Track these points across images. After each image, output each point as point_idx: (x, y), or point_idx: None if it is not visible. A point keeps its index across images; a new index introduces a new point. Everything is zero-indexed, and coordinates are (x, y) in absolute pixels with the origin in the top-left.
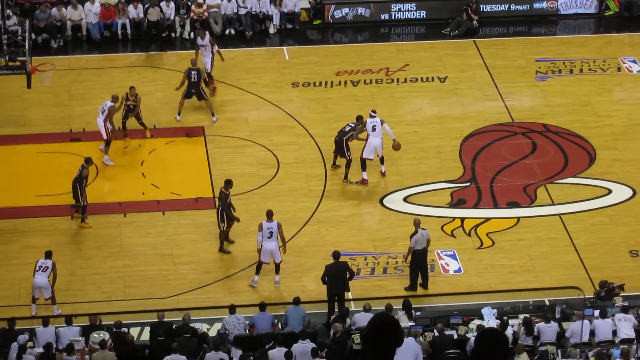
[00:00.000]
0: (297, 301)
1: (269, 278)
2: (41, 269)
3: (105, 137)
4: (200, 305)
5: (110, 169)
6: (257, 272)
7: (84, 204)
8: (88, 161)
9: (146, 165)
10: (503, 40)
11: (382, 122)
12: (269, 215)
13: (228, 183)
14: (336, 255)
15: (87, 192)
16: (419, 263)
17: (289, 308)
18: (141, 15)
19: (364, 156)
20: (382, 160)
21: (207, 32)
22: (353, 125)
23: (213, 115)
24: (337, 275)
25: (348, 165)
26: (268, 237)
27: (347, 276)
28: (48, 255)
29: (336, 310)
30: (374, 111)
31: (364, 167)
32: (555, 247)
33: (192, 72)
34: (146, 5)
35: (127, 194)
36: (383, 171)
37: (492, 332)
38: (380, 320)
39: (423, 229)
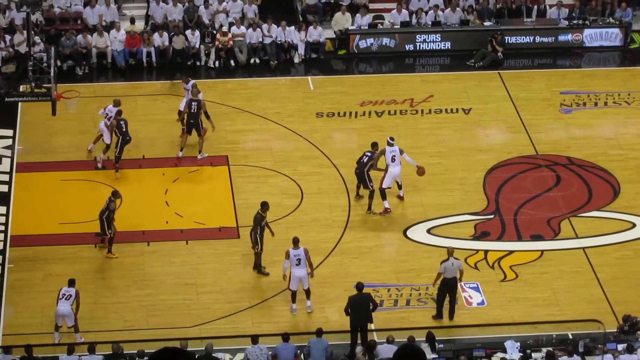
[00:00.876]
0: (319, 332)
1: (297, 307)
2: (64, 297)
3: (107, 141)
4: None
5: (134, 197)
6: (293, 300)
7: (111, 235)
8: (115, 194)
9: (170, 194)
10: (528, 72)
11: (401, 152)
12: (295, 242)
13: (264, 205)
14: (359, 286)
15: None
16: (445, 291)
17: (311, 339)
18: (166, 43)
19: (383, 186)
20: (399, 186)
21: (189, 79)
22: (369, 154)
23: (200, 152)
24: (361, 307)
25: (371, 197)
26: (296, 265)
27: (370, 307)
28: (71, 283)
29: (359, 342)
30: (391, 138)
31: (384, 196)
32: (579, 281)
33: (193, 103)
34: (171, 34)
35: (151, 222)
36: (401, 195)
37: None
38: (407, 351)
39: (456, 258)
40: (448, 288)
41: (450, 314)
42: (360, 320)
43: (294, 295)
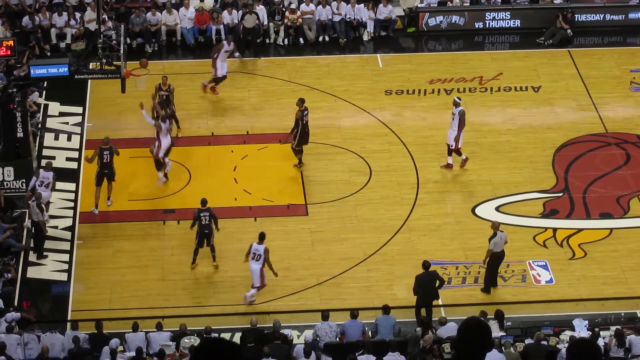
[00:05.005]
0: (387, 309)
1: (360, 285)
2: (255, 256)
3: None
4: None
5: (203, 174)
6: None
7: None
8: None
9: (238, 171)
10: (598, 50)
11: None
12: (261, 238)
13: (203, 203)
14: (426, 265)
15: (178, 198)
16: (497, 264)
17: (379, 317)
18: (235, 20)
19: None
20: (450, 152)
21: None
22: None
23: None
24: (428, 285)
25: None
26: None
27: (437, 284)
28: (261, 238)
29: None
30: (458, 98)
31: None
32: None
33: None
34: (244, 11)
35: (219, 199)
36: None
37: (584, 343)
38: (472, 324)
39: (501, 231)
40: (499, 260)
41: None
42: (429, 298)
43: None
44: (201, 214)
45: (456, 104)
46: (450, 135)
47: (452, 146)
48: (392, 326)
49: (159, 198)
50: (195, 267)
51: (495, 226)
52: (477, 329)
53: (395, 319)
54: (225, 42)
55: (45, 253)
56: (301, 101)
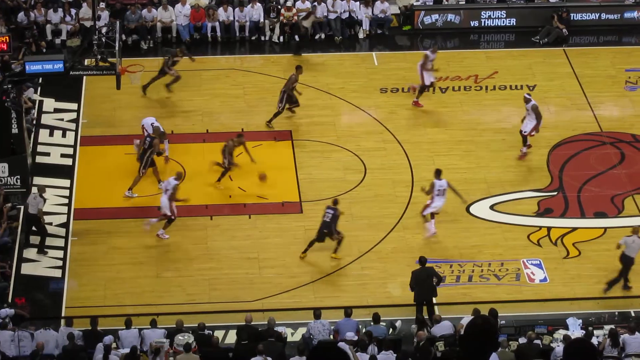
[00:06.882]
0: (377, 319)
1: (354, 283)
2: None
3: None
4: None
5: (197, 172)
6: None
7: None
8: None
9: (233, 168)
10: (593, 50)
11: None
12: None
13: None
14: (422, 260)
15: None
16: (625, 265)
17: (368, 327)
18: (231, 18)
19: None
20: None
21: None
22: (331, 211)
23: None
24: (424, 281)
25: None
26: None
27: (435, 281)
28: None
29: (425, 316)
30: (528, 94)
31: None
32: None
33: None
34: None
35: (214, 197)
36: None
37: (581, 342)
38: (479, 322)
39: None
40: (626, 261)
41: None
42: (425, 294)
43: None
44: (326, 211)
45: (527, 100)
46: (528, 124)
47: (525, 132)
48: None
49: (154, 195)
50: (304, 257)
51: (635, 230)
52: (484, 327)
53: (386, 329)
54: (429, 52)
55: (45, 249)
56: (297, 69)
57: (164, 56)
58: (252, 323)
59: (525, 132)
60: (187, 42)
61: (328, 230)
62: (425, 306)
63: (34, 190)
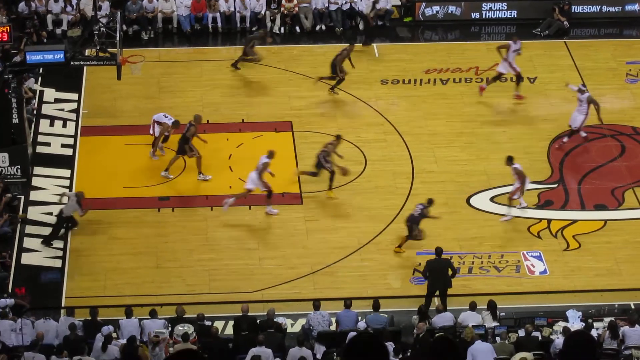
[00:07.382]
0: (377, 306)
1: (354, 274)
2: None
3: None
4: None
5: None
6: None
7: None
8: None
9: (234, 159)
10: (594, 42)
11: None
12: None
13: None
14: (438, 251)
15: (175, 184)
16: None
17: (368, 316)
18: (232, 9)
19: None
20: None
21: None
22: (421, 207)
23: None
24: (439, 272)
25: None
26: None
27: (450, 273)
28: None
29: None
30: (583, 85)
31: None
32: None
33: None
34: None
35: (214, 187)
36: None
37: (581, 335)
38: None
39: None
40: None
41: None
42: (439, 284)
43: None
44: (417, 206)
45: (582, 91)
46: (577, 118)
47: (574, 127)
48: (382, 326)
49: (154, 185)
50: (399, 252)
51: None
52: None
53: (386, 318)
54: (511, 42)
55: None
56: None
57: (247, 42)
58: (252, 314)
59: (575, 127)
60: (187, 32)
61: (410, 223)
62: (440, 296)
63: (69, 193)
